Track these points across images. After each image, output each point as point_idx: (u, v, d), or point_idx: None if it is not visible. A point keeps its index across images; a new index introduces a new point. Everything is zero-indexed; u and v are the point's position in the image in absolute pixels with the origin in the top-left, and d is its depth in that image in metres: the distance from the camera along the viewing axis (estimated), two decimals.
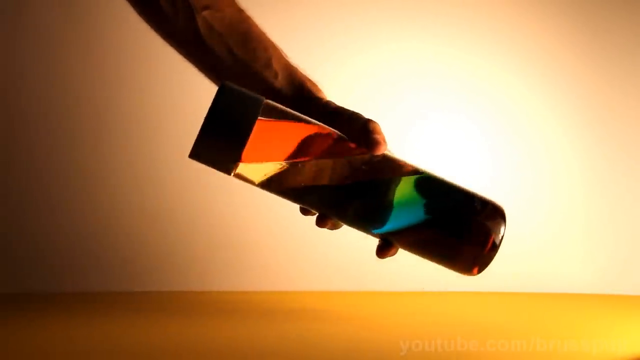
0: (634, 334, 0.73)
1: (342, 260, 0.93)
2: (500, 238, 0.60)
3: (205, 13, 0.72)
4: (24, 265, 0.90)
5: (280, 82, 0.69)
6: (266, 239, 0.93)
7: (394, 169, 0.63)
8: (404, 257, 0.95)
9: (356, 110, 0.67)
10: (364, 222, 0.62)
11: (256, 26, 0.71)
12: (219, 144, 0.61)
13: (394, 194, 0.62)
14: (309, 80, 0.69)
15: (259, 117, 0.61)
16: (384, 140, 0.63)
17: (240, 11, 0.71)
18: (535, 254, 0.97)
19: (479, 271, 0.62)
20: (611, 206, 0.98)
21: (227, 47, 0.71)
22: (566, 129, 0.97)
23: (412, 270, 0.96)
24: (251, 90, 0.66)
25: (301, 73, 0.69)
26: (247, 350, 0.65)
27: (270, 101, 0.63)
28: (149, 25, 0.75)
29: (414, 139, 0.95)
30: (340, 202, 0.62)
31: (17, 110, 0.91)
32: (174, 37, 0.74)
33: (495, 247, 0.60)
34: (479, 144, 0.97)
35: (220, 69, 0.72)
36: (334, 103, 0.67)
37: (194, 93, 0.92)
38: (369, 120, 0.64)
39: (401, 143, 0.94)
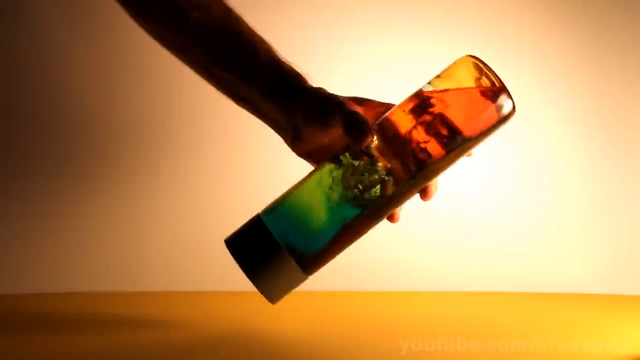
0: (634, 334, 0.73)
1: (342, 260, 0.93)
2: (493, 76, 0.63)
3: (195, 14, 0.72)
4: (24, 265, 0.90)
5: (268, 75, 0.69)
6: None
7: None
8: (403, 257, 0.95)
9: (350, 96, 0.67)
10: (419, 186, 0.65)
11: (244, 23, 0.72)
12: (273, 276, 0.64)
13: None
14: (298, 73, 0.69)
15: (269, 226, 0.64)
16: (369, 130, 0.63)
17: (229, 10, 0.72)
18: (535, 254, 0.97)
19: (514, 107, 0.64)
20: (611, 206, 0.98)
21: (217, 46, 0.72)
22: (566, 128, 0.97)
23: (412, 270, 0.96)
24: (242, 88, 0.69)
25: (289, 66, 0.69)
26: (247, 350, 0.65)
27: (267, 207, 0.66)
28: (142, 28, 0.75)
29: None
30: (408, 188, 0.64)
31: (17, 109, 0.91)
32: (167, 40, 0.75)
33: (501, 86, 0.63)
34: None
35: (211, 68, 0.72)
36: (324, 90, 0.67)
37: (195, 93, 0.92)
38: (350, 112, 0.64)
39: None
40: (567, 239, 0.98)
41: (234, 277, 0.93)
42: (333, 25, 0.94)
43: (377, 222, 0.65)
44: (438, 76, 0.65)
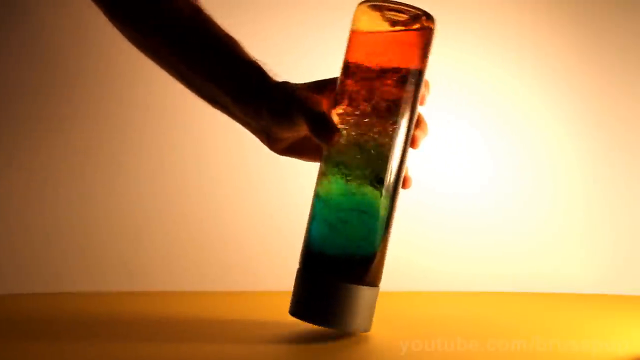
0: (634, 334, 0.73)
1: None
2: (394, 4, 0.64)
3: (163, 17, 0.71)
4: (24, 265, 0.90)
5: (235, 78, 0.69)
6: (266, 238, 0.93)
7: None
8: (403, 257, 0.95)
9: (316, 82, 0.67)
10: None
11: (213, 24, 0.71)
12: (350, 311, 0.64)
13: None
14: (263, 71, 0.68)
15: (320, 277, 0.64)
16: (333, 129, 0.63)
17: (198, 11, 0.71)
18: (535, 254, 0.97)
19: (429, 17, 0.65)
20: (611, 206, 0.98)
21: (186, 49, 0.70)
22: (566, 128, 0.97)
23: (412, 270, 0.96)
24: (214, 91, 0.69)
25: (256, 65, 0.69)
26: (247, 350, 0.65)
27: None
28: (118, 30, 0.74)
29: None
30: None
31: (17, 109, 0.91)
32: (143, 45, 0.74)
33: (408, 8, 0.64)
34: (479, 144, 0.97)
35: (186, 73, 0.72)
36: (287, 85, 0.67)
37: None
38: (312, 113, 0.64)
39: None
40: (567, 239, 0.98)
41: (233, 278, 0.93)
42: (331, 25, 0.94)
43: (397, 191, 0.66)
44: (351, 32, 0.66)
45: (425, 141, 0.68)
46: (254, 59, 0.70)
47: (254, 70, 0.69)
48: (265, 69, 0.69)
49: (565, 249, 0.97)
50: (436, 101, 0.96)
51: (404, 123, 0.65)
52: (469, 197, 0.96)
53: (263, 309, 0.80)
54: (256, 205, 0.94)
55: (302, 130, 0.66)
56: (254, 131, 0.71)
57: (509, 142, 0.97)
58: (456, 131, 0.96)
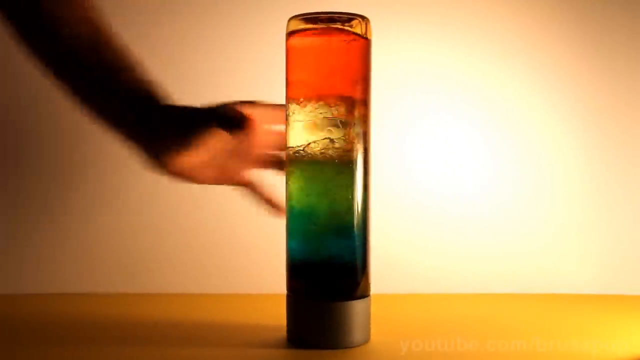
0: (634, 334, 0.73)
1: None
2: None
3: (62, 36, 0.68)
4: (24, 266, 0.90)
5: (123, 111, 0.68)
6: (267, 241, 0.93)
7: None
8: (403, 258, 0.95)
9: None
10: None
11: (110, 50, 0.68)
12: (347, 327, 0.64)
13: None
14: (153, 102, 0.67)
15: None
16: (242, 117, 0.65)
17: (97, 29, 0.68)
18: (534, 254, 0.97)
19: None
20: (610, 206, 0.98)
21: (77, 77, 0.68)
22: (565, 129, 0.97)
23: (412, 271, 0.96)
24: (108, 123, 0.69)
25: (147, 92, 0.67)
26: (246, 353, 0.65)
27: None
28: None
29: (414, 140, 0.95)
30: None
31: (17, 109, 0.91)
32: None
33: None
34: (479, 144, 0.97)
35: (78, 90, 0.69)
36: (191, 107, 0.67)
37: (196, 94, 0.92)
38: (226, 117, 0.66)
39: (401, 143, 0.94)
40: (566, 239, 0.98)
41: (234, 280, 0.93)
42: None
43: (367, 197, 0.65)
44: (288, 47, 0.65)
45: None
46: (147, 82, 0.67)
47: (145, 98, 0.67)
48: (153, 93, 0.67)
49: (564, 249, 0.97)
50: (436, 101, 0.96)
51: (360, 125, 0.64)
52: (468, 198, 0.96)
53: (264, 311, 0.80)
54: (257, 207, 0.94)
55: (200, 153, 0.66)
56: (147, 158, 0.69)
57: (509, 142, 0.97)
58: (456, 131, 0.96)
